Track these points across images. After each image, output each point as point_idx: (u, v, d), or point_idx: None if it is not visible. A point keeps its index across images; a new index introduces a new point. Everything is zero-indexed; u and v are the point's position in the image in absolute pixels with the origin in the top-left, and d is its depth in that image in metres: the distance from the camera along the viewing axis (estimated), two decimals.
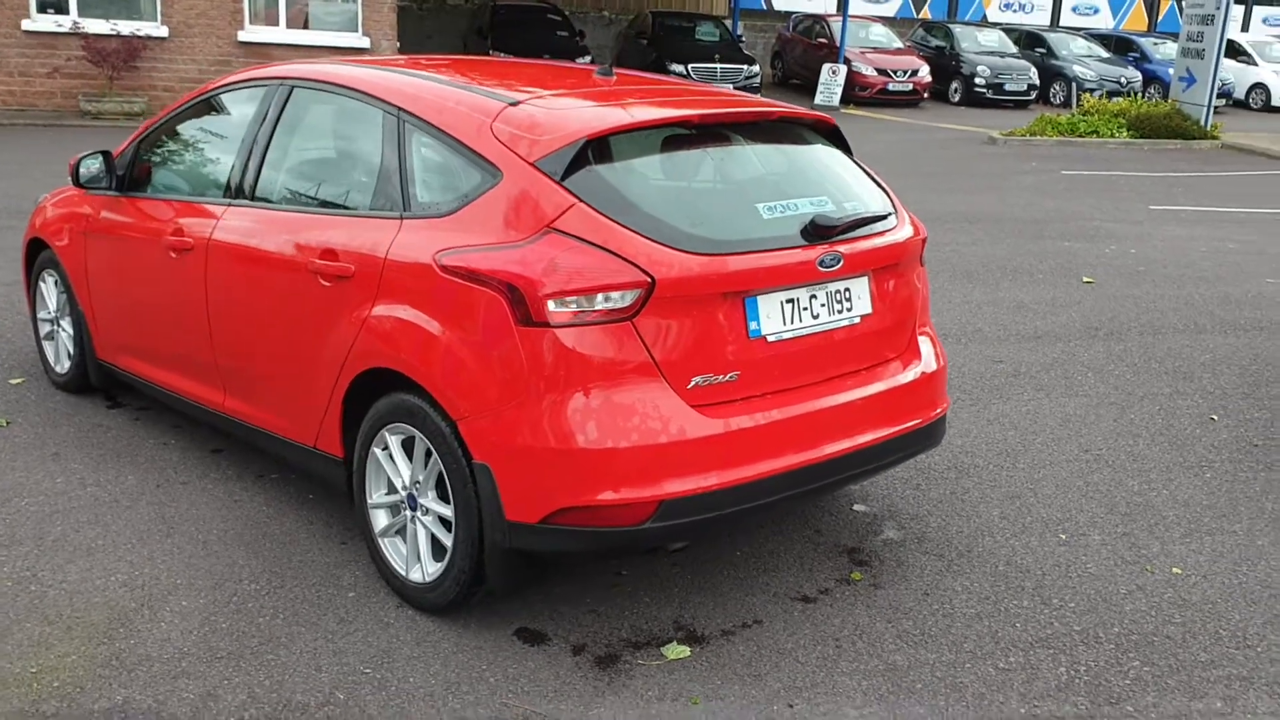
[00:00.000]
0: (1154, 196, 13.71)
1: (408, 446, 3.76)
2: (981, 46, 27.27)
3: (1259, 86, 29.08)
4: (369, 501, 3.93)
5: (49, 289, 5.76)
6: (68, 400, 5.63)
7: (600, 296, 3.31)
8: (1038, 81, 26.33)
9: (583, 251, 3.34)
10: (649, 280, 3.32)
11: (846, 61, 24.24)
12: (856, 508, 4.69)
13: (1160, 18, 35.97)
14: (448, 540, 3.64)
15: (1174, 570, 4.24)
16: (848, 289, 3.80)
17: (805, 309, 3.67)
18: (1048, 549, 4.38)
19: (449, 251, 3.51)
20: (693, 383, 3.43)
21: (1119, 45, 29.91)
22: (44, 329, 5.88)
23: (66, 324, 5.66)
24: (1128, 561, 4.29)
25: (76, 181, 5.07)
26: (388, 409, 3.75)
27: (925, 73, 25.24)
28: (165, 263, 4.67)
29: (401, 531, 3.87)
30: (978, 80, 26.04)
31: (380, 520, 3.91)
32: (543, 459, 3.33)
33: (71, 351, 5.63)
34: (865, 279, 3.86)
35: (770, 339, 3.58)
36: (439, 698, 3.34)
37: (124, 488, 4.67)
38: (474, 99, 3.80)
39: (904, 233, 4.02)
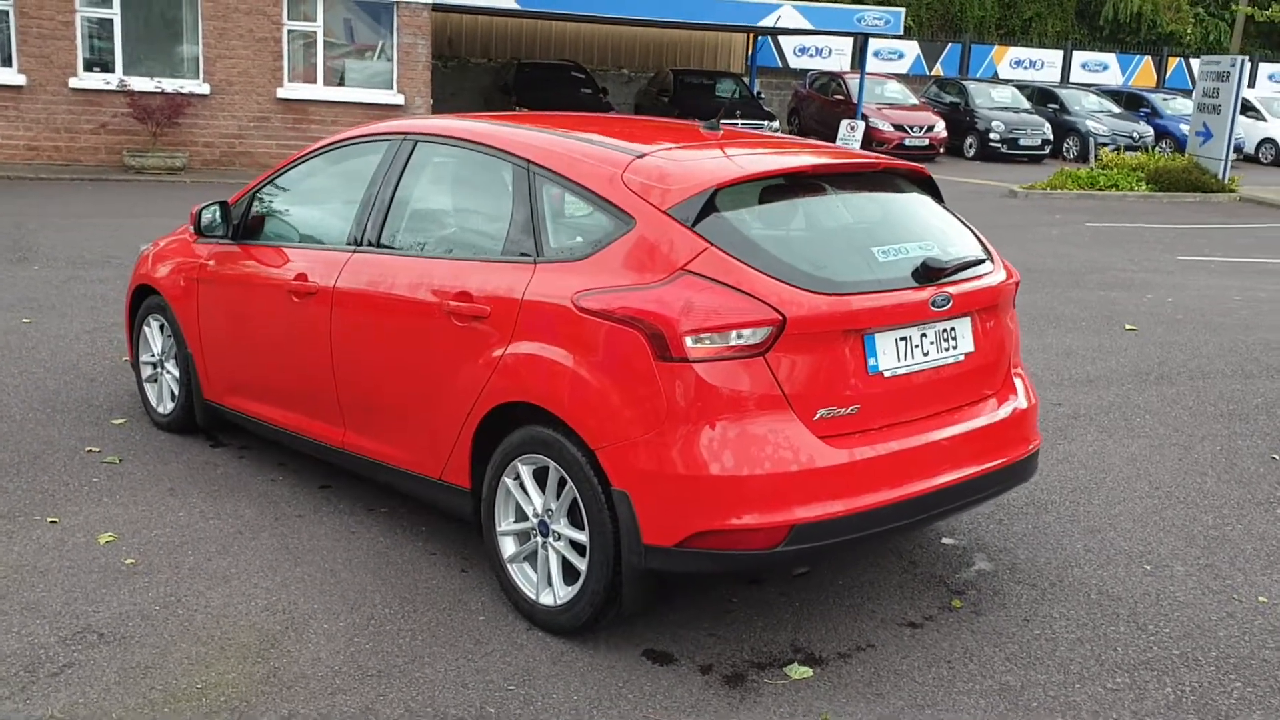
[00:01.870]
0: (1180, 248, 13.99)
1: (540, 476, 3.98)
2: (995, 102, 27.73)
3: (1268, 141, 29.56)
4: (498, 529, 4.14)
5: (153, 333, 6.01)
6: (172, 440, 5.86)
7: (734, 333, 3.55)
8: (1051, 137, 26.76)
9: (717, 291, 3.58)
10: (780, 318, 3.56)
11: (864, 117, 24.69)
12: (945, 541, 4.90)
13: (1169, 74, 36.58)
14: (580, 564, 3.85)
15: (1260, 599, 4.44)
16: (953, 328, 4.04)
17: (917, 346, 3.90)
18: (1135, 579, 4.58)
19: (587, 293, 3.76)
20: (818, 415, 3.66)
21: (1130, 101, 30.40)
22: (146, 371, 6.13)
23: (172, 366, 5.90)
24: (1214, 591, 4.49)
25: (198, 229, 5.34)
26: (521, 441, 3.98)
27: (941, 128, 25.67)
28: (285, 306, 4.92)
29: (531, 558, 4.08)
30: (992, 135, 26.47)
31: (509, 547, 4.13)
32: (681, 485, 3.56)
33: (176, 393, 5.87)
34: (969, 319, 4.10)
35: (886, 374, 3.81)
36: (584, 713, 3.54)
37: (243, 520, 4.89)
38: (602, 152, 4.07)
39: (1000, 276, 4.27)
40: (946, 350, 4.01)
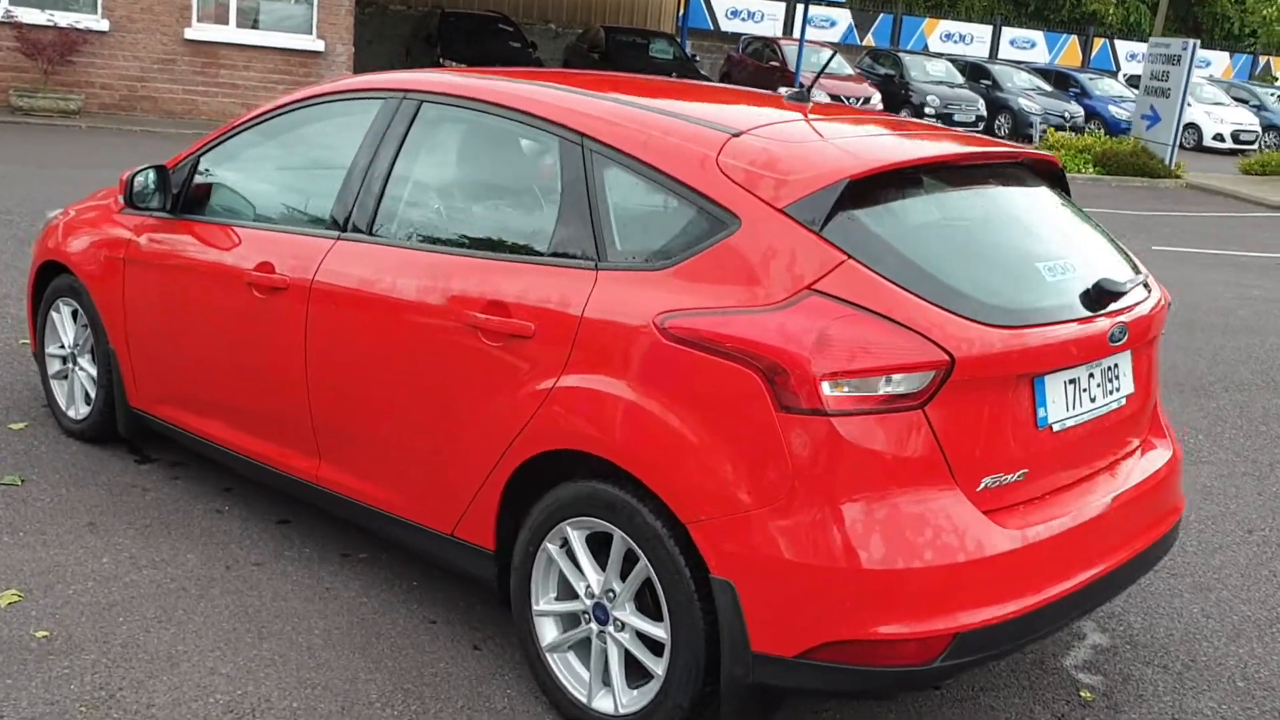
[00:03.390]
0: (1150, 237, 13.49)
1: (595, 542, 3.08)
2: (930, 76, 27.20)
3: (1191, 126, 29.48)
4: (534, 607, 3.23)
5: (64, 320, 4.92)
6: (87, 452, 4.80)
7: (885, 378, 2.68)
8: (985, 113, 26.33)
9: (860, 321, 2.70)
10: (947, 359, 2.69)
11: (802, 86, 23.86)
12: None
13: (1094, 54, 36.53)
14: (655, 666, 2.97)
15: None
16: (1116, 365, 3.23)
17: (1084, 390, 3.08)
18: (1276, 658, 3.85)
19: (676, 314, 2.85)
20: (982, 484, 2.82)
21: (1058, 80, 30.14)
22: (53, 366, 5.04)
23: (87, 363, 4.83)
24: None
25: (129, 198, 4.27)
26: (573, 499, 3.07)
27: (877, 101, 25.02)
28: (243, 302, 3.91)
29: (580, 648, 3.18)
30: (928, 110, 25.91)
31: (548, 632, 3.22)
32: (810, 580, 2.69)
33: (92, 395, 4.81)
34: (1128, 354, 3.29)
35: (1055, 428, 2.99)
36: None
37: (187, 570, 3.89)
38: (684, 126, 3.15)
39: (1156, 297, 3.47)
40: (1111, 393, 3.20)
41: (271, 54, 17.00)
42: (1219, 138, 28.45)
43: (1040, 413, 2.93)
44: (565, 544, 3.14)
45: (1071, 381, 3.03)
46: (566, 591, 3.19)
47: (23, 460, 4.66)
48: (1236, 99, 30.73)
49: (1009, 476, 2.87)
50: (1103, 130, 25.25)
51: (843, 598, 2.67)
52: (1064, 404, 3.00)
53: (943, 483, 2.74)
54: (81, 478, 4.55)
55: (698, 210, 2.97)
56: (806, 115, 3.40)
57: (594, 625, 3.10)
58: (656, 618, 2.96)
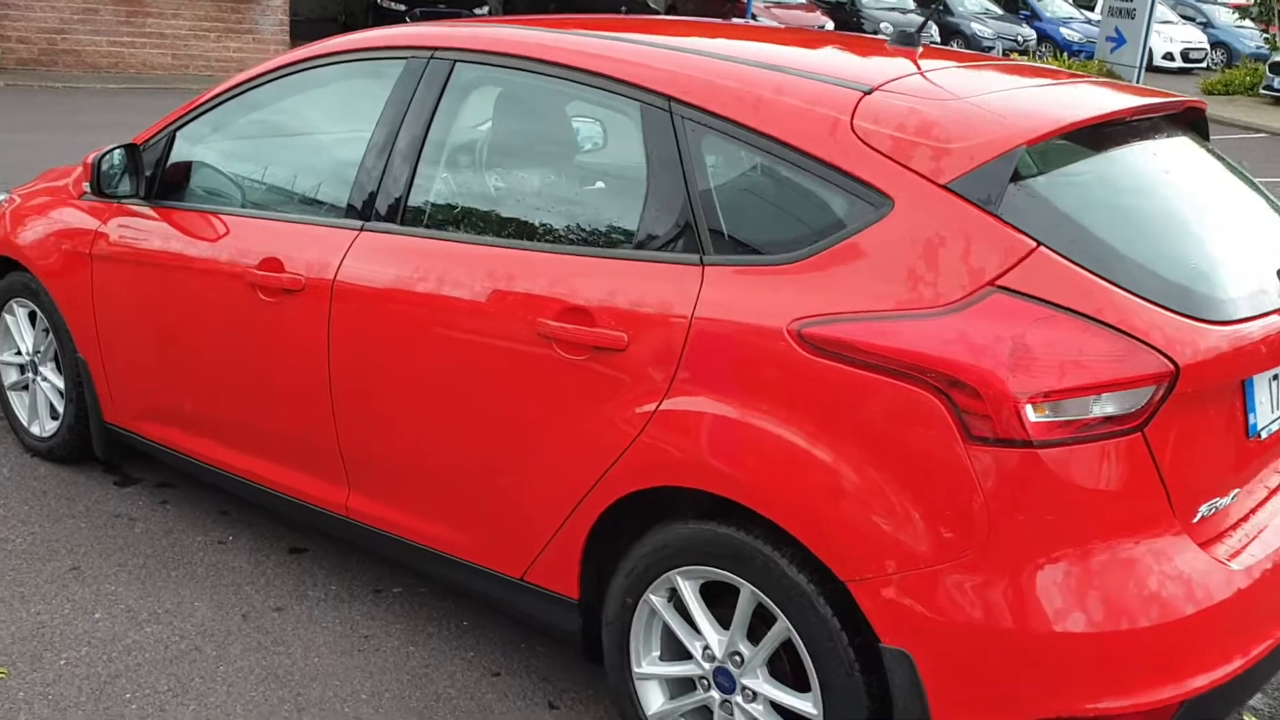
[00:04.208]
0: None
1: (711, 593, 2.56)
2: (882, 1, 26.58)
3: None
4: (636, 669, 2.71)
5: (19, 324, 4.27)
6: (58, 475, 4.17)
7: (1097, 398, 2.16)
8: (939, 38, 25.80)
9: (1063, 325, 2.18)
10: (1171, 368, 2.18)
11: (753, 17, 23.23)
12: None
13: None
14: None
15: None
16: None
17: None
18: None
19: (818, 320, 2.31)
20: (1199, 514, 2.33)
21: (1008, 3, 29.63)
22: (9, 375, 4.39)
23: (51, 372, 4.19)
24: None
25: (98, 186, 3.61)
26: (685, 544, 2.54)
27: (831, 29, 24.39)
28: (245, 305, 3.30)
29: (694, 717, 2.66)
30: (880, 37, 25.29)
31: (653, 698, 2.70)
32: (1010, 649, 2.19)
33: (59, 409, 4.17)
34: None
35: (1262, 435, 2.50)
36: None
37: (197, 623, 3.31)
38: (798, 83, 2.58)
39: None
40: None
41: (203, 1, 16.02)
42: (1169, 56, 28.14)
43: (1250, 419, 2.43)
44: (673, 596, 2.62)
45: (1276, 378, 2.54)
46: (676, 651, 2.66)
47: None
48: (1184, 16, 30.45)
49: (1223, 500, 2.39)
50: (1053, 53, 24.91)
51: (1051, 668, 2.18)
52: (1270, 405, 2.51)
53: (1163, 520, 2.24)
54: (56, 508, 3.93)
55: (832, 188, 2.42)
56: (918, 63, 2.84)
57: (715, 694, 2.58)
58: (797, 686, 2.45)
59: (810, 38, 3.22)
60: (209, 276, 3.42)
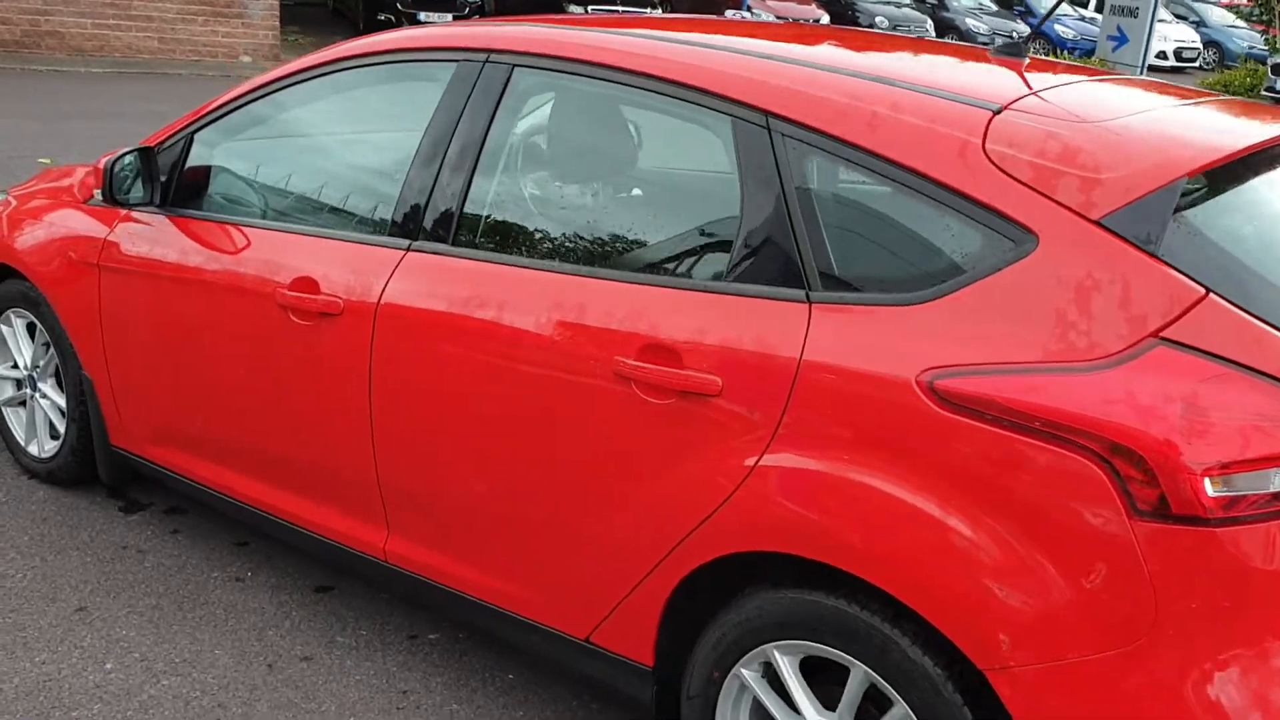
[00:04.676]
0: None
1: (814, 669, 2.29)
2: None
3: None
4: None
5: (16, 335, 3.96)
6: (58, 500, 3.87)
7: (1276, 470, 1.90)
8: (934, 34, 25.59)
9: (1237, 385, 1.92)
10: None
11: (748, 8, 22.94)
12: None
13: None
14: None
15: None
16: None
17: None
18: None
19: (952, 371, 2.04)
20: None
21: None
22: (4, 391, 4.07)
23: (51, 389, 3.89)
24: None
25: (111, 192, 3.30)
26: (785, 616, 2.27)
27: (826, 21, 24.12)
28: (275, 327, 3.01)
29: None
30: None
31: None
32: None
33: (61, 429, 3.86)
34: None
35: None
36: None
37: (219, 675, 3.02)
38: (917, 100, 2.30)
39: None
40: None
41: None
42: (1162, 55, 27.97)
43: None
44: (767, 672, 2.35)
45: None
46: None
47: None
48: (1177, 15, 30.33)
49: None
50: (1049, 50, 24.74)
51: None
52: None
53: None
54: (57, 538, 3.63)
55: (964, 220, 2.14)
56: (1032, 77, 2.56)
57: None
58: None
59: (904, 44, 2.95)
60: (233, 295, 3.12)
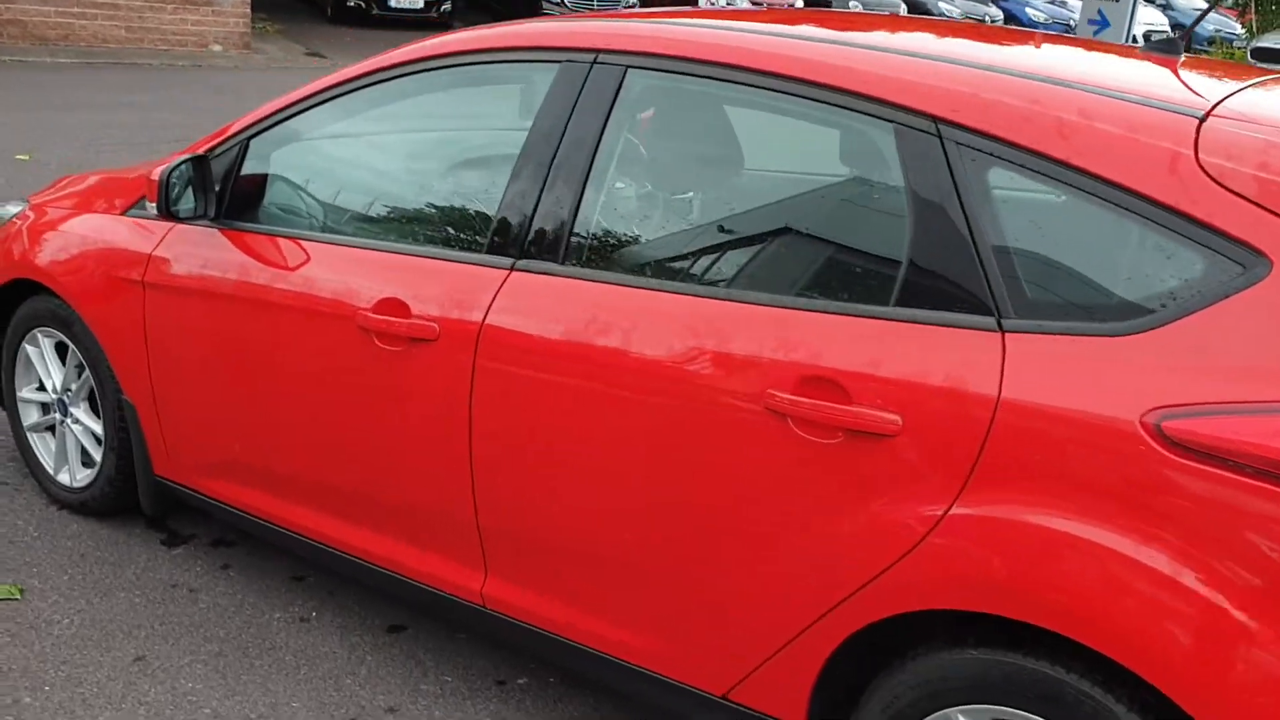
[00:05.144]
0: None
1: None
2: None
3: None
4: None
5: (45, 356, 3.67)
6: (94, 534, 3.59)
7: None
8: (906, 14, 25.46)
9: None
10: None
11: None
12: None
13: None
14: None
15: None
16: None
17: None
18: None
19: (1183, 412, 1.83)
20: None
21: None
22: (30, 415, 3.79)
23: (85, 414, 3.61)
24: None
25: (169, 207, 3.02)
26: (978, 678, 2.06)
27: (800, 5, 23.93)
28: (356, 353, 2.76)
29: None
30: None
31: None
32: None
33: (96, 456, 3.59)
34: None
35: None
36: None
37: None
38: (1108, 105, 2.09)
39: None
40: None
41: None
42: (1132, 39, 28.05)
43: None
44: None
45: None
46: None
47: (4, 552, 3.44)
48: None
49: None
50: None
51: None
52: None
53: None
54: (101, 577, 3.36)
55: (1180, 240, 1.94)
56: (1198, 76, 2.36)
57: None
58: None
59: (1049, 40, 2.73)
60: (305, 317, 2.86)
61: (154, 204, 3.01)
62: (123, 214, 3.38)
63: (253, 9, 16.27)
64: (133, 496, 3.56)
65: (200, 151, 3.09)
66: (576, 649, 2.62)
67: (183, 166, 3.00)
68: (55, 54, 14.34)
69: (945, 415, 2.01)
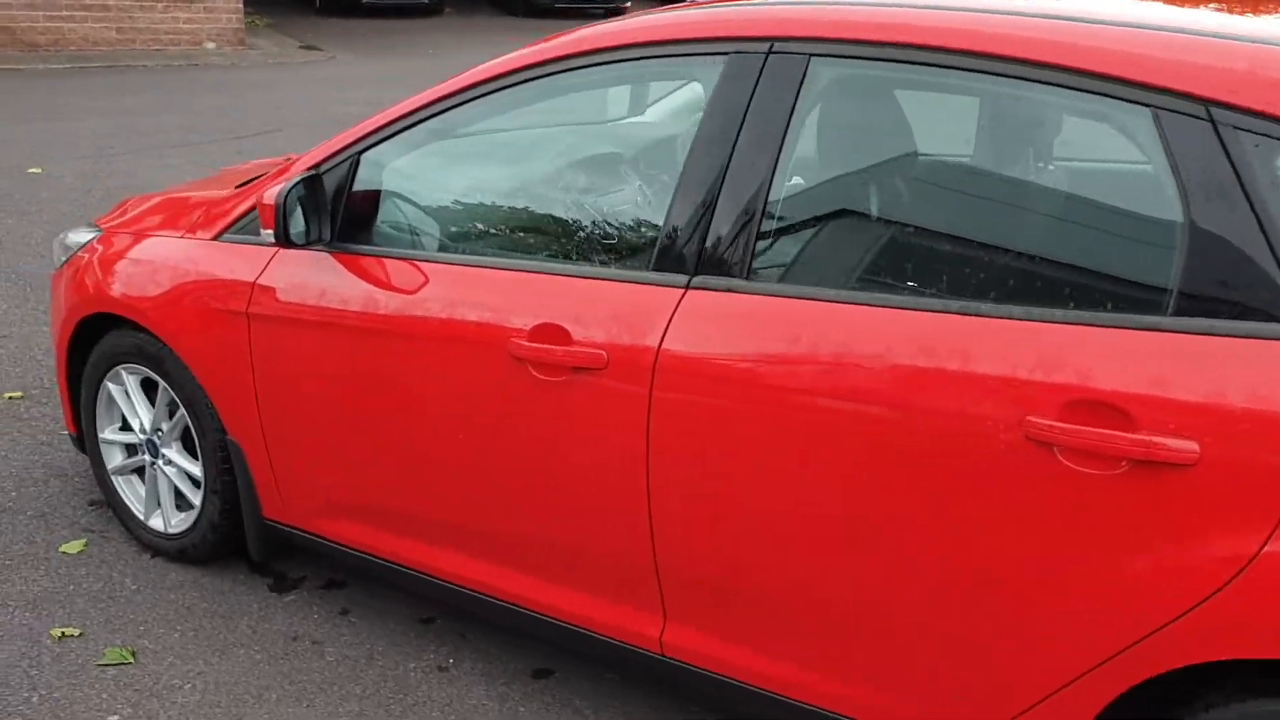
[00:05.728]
0: None
1: None
2: None
3: None
4: None
5: (131, 395, 3.41)
6: (194, 582, 3.35)
7: None
8: None
9: None
10: None
11: None
12: None
13: None
14: None
15: None
16: None
17: None
18: None
19: None
20: None
21: None
22: (114, 457, 3.53)
23: (177, 454, 3.35)
24: None
25: (286, 236, 2.75)
26: None
27: None
28: (508, 384, 2.51)
29: None
30: None
31: None
32: None
33: (196, 501, 3.34)
34: None
35: None
36: None
37: None
38: None
39: None
40: None
41: None
42: None
43: None
44: None
45: None
46: None
47: (107, 609, 3.19)
48: None
49: None
50: None
51: None
52: None
53: None
54: (213, 633, 3.11)
55: None
56: None
57: None
58: None
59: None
60: (447, 346, 2.61)
61: (267, 230, 2.74)
62: (214, 239, 3.11)
63: (247, 4, 15.91)
64: (236, 541, 3.31)
65: (316, 172, 2.81)
66: (772, 699, 2.39)
67: (298, 187, 2.73)
68: (46, 60, 13.98)
69: (1254, 443, 1.77)
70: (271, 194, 2.71)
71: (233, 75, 13.80)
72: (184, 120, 10.69)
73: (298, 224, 2.79)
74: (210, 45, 15.19)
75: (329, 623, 3.18)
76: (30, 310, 5.47)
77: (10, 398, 4.49)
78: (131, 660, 2.98)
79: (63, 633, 3.07)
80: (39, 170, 8.40)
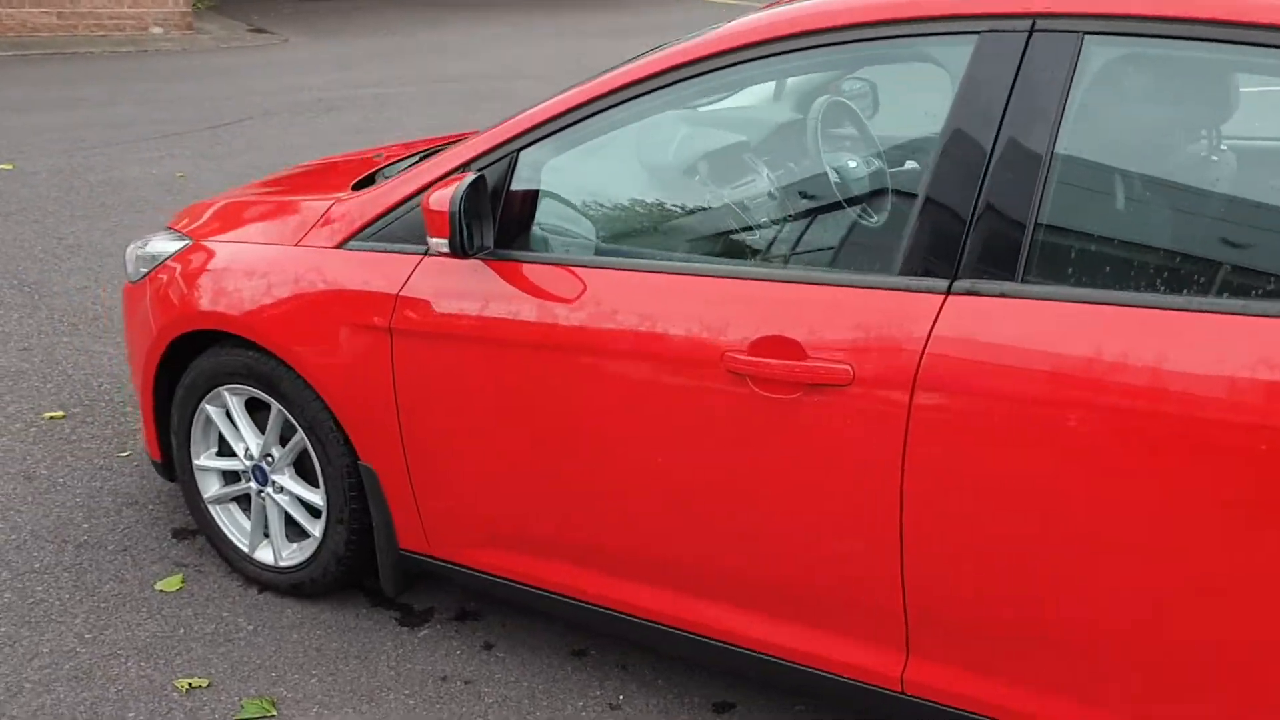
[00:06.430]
0: None
1: None
2: None
3: None
4: None
5: (235, 417, 3.12)
6: (314, 619, 3.09)
7: None
8: None
9: None
10: None
11: None
12: None
13: None
14: None
15: None
16: None
17: None
18: None
19: None
20: None
21: None
22: (211, 486, 3.25)
23: (291, 480, 3.08)
24: None
25: (463, 245, 2.48)
26: None
27: None
28: (721, 404, 2.29)
29: None
30: None
31: None
32: None
33: (314, 532, 3.07)
34: None
35: None
36: None
37: None
38: None
39: None
40: None
41: None
42: None
43: None
44: None
45: None
46: None
47: (228, 654, 2.92)
48: None
49: None
50: None
51: None
52: None
53: None
54: (355, 677, 2.85)
55: None
56: None
57: None
58: None
59: None
60: (644, 363, 2.37)
61: (437, 239, 2.47)
62: (338, 246, 2.83)
63: None
64: (365, 575, 3.05)
65: (479, 174, 2.54)
66: None
67: (468, 190, 2.46)
68: (14, 47, 13.31)
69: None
70: (442, 199, 2.44)
71: (187, 61, 13.24)
72: (149, 110, 10.19)
73: (471, 231, 2.52)
74: (157, 30, 14.59)
75: (475, 659, 2.93)
76: (46, 320, 5.10)
77: (51, 418, 4.16)
78: (274, 712, 2.72)
79: (189, 684, 2.80)
80: (10, 166, 7.93)
